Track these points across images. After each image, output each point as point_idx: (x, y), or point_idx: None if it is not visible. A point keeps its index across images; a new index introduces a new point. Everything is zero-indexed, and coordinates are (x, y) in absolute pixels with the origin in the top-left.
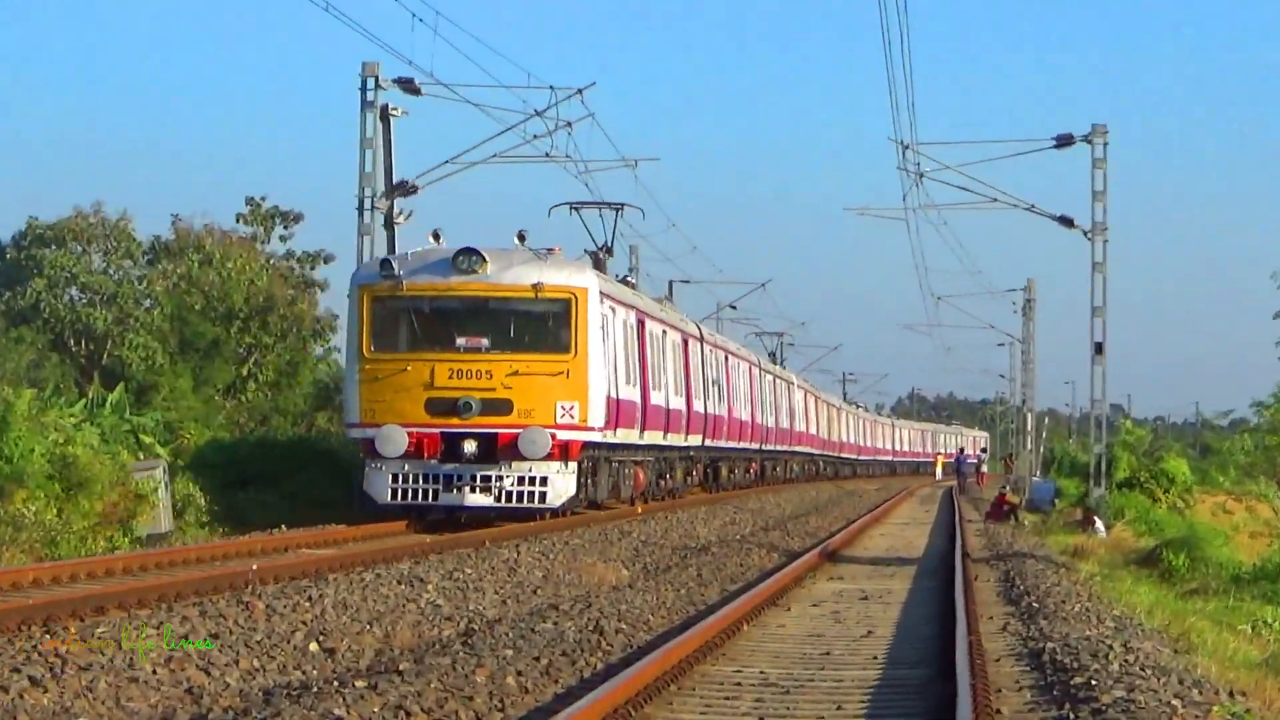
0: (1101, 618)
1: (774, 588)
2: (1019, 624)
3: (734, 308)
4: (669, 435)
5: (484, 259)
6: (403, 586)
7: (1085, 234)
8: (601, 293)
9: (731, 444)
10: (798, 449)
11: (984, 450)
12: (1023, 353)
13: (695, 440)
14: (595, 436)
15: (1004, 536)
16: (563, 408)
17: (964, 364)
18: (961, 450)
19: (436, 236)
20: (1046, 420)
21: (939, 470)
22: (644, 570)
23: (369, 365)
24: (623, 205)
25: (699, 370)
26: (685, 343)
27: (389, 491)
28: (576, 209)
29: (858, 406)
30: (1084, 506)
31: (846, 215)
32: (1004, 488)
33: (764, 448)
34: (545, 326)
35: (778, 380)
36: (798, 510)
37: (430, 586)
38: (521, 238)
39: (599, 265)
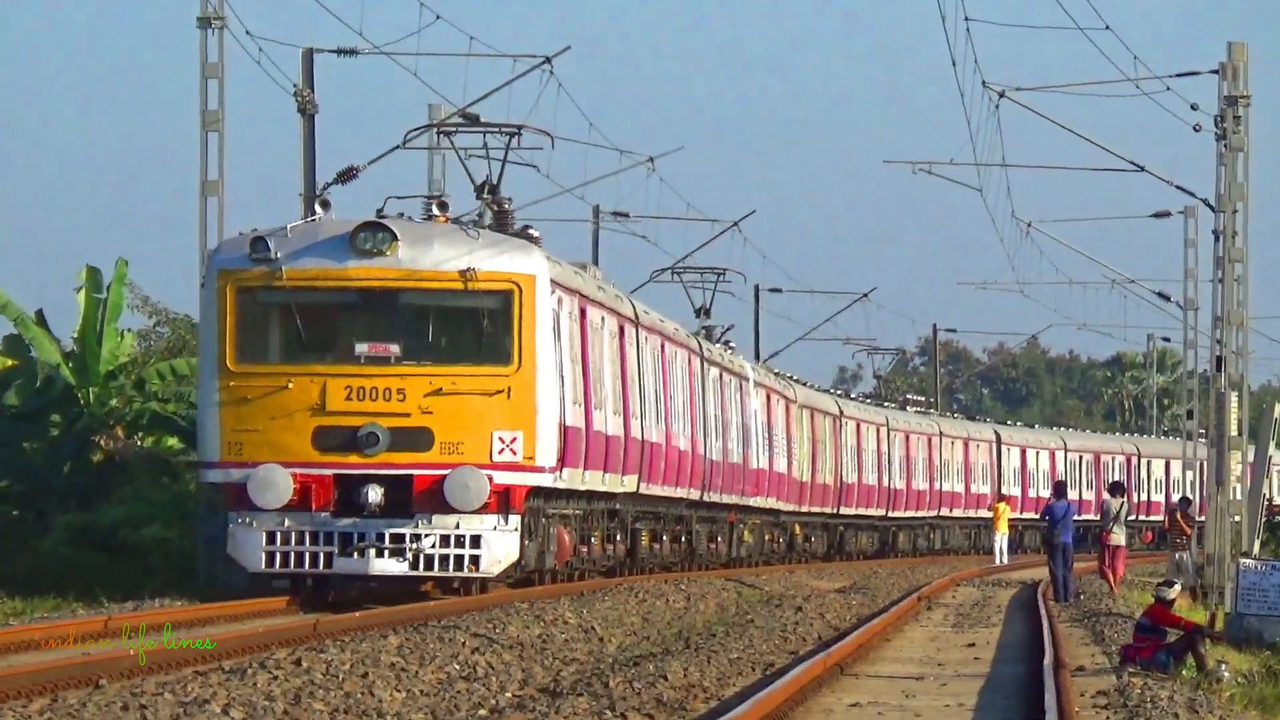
0: None
1: None
2: None
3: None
4: (608, 476)
5: (394, 236)
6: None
7: None
8: (554, 281)
9: (666, 489)
10: (754, 500)
11: (1118, 493)
12: (1218, 242)
13: (630, 483)
14: (545, 479)
15: None
16: (502, 440)
17: (1059, 304)
18: (1058, 488)
19: (325, 205)
20: (1266, 409)
21: (999, 542)
22: None
23: (234, 382)
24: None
25: (634, 370)
26: (621, 330)
27: (263, 556)
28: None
29: (892, 404)
30: None
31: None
32: (1169, 588)
33: (705, 496)
34: (478, 328)
35: (727, 376)
36: (660, 642)
37: None
38: (443, 206)
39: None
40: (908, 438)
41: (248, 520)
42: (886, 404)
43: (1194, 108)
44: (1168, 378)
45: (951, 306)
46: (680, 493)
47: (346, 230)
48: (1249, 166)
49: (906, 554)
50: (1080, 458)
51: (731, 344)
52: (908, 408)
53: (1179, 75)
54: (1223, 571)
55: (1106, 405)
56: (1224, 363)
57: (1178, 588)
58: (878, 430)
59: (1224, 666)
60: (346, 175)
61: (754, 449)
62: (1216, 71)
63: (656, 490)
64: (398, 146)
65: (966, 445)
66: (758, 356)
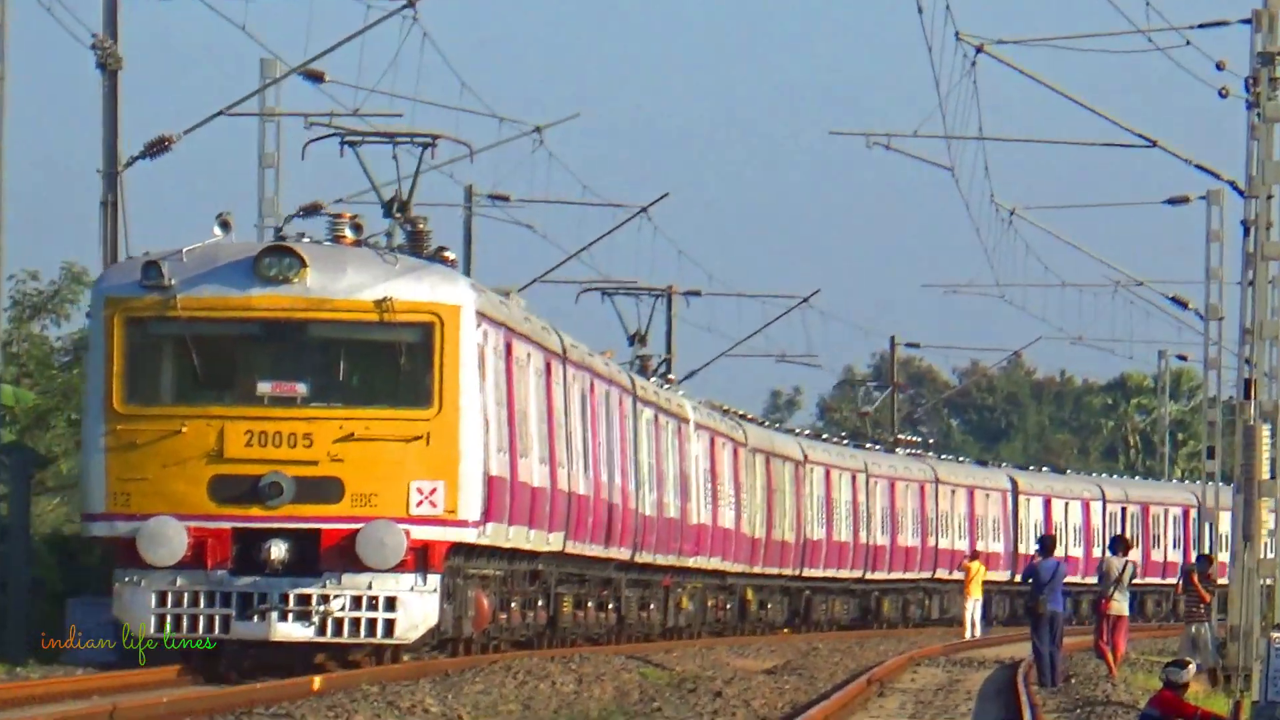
0: None
1: None
2: None
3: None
4: (533, 533)
5: (302, 262)
6: None
7: None
8: (480, 313)
9: (595, 548)
10: (694, 561)
11: (1120, 550)
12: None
13: (556, 541)
14: (469, 534)
15: None
16: (420, 491)
17: (1049, 313)
18: (1043, 544)
19: (226, 225)
20: None
21: (970, 613)
22: None
23: (121, 425)
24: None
25: (561, 413)
26: (548, 366)
27: (153, 618)
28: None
29: (877, 445)
30: None
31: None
32: (1182, 669)
33: (636, 556)
34: (396, 365)
35: (664, 418)
36: None
37: None
38: (356, 228)
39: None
40: (893, 485)
41: (136, 579)
42: (870, 445)
43: (1219, 67)
44: (1183, 406)
45: (914, 315)
46: (610, 553)
47: (250, 254)
48: None
49: (895, 624)
50: (1124, 510)
51: (671, 376)
52: (899, 449)
53: (1201, 26)
54: (1249, 649)
55: (1106, 440)
56: (1254, 387)
57: (1193, 669)
58: (854, 477)
59: None
60: (156, 147)
61: (694, 501)
62: (1249, 21)
63: (583, 549)
64: (221, 113)
65: (973, 495)
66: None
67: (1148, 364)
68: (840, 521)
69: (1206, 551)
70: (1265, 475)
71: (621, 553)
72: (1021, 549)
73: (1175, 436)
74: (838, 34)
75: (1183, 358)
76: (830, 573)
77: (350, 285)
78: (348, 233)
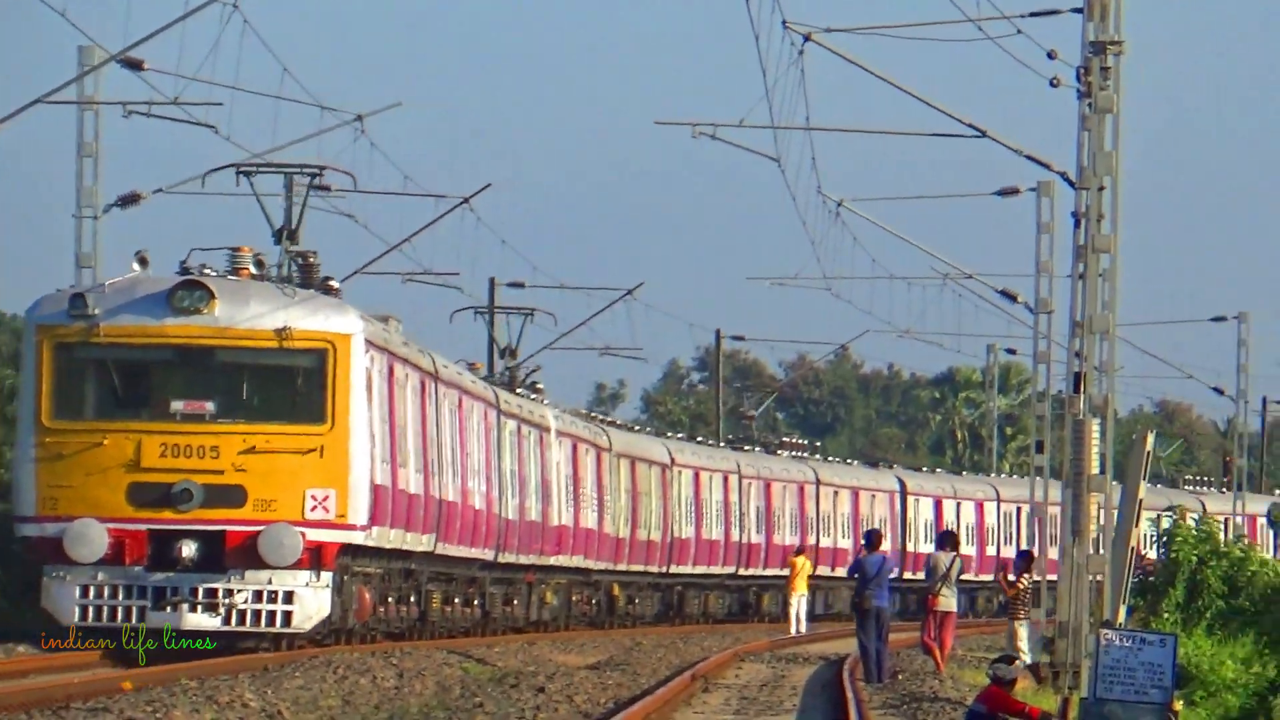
0: None
1: None
2: None
3: None
4: (409, 535)
5: (211, 295)
6: None
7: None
8: (369, 341)
9: (461, 549)
10: (556, 559)
11: (948, 545)
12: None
13: (428, 542)
14: (357, 536)
15: None
16: (314, 497)
17: (876, 306)
18: (869, 539)
19: (144, 262)
20: (1136, 440)
21: (795, 609)
22: None
23: (50, 438)
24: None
25: (434, 427)
26: (423, 385)
27: (76, 609)
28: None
29: (756, 447)
30: None
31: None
32: (1009, 665)
33: (500, 556)
34: (293, 386)
35: (526, 428)
36: None
37: None
38: (259, 264)
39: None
40: (768, 486)
41: (62, 574)
42: (749, 448)
43: (1051, 56)
44: (1012, 400)
45: (740, 308)
46: (475, 553)
47: (165, 288)
48: (1120, 132)
49: (776, 617)
50: (1019, 510)
51: (540, 385)
52: (780, 452)
53: (1033, 15)
54: (1078, 646)
55: (934, 434)
56: (1084, 381)
57: (1020, 665)
58: (725, 478)
59: None
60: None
61: (555, 504)
62: (1080, 10)
63: (451, 550)
64: (38, 101)
65: (857, 495)
66: (491, 368)
67: (976, 358)
68: (710, 521)
69: (1029, 548)
70: (1094, 470)
71: (485, 553)
72: (911, 548)
73: (1004, 431)
74: (663, 22)
75: (1012, 351)
76: (704, 570)
77: (253, 315)
78: (250, 267)
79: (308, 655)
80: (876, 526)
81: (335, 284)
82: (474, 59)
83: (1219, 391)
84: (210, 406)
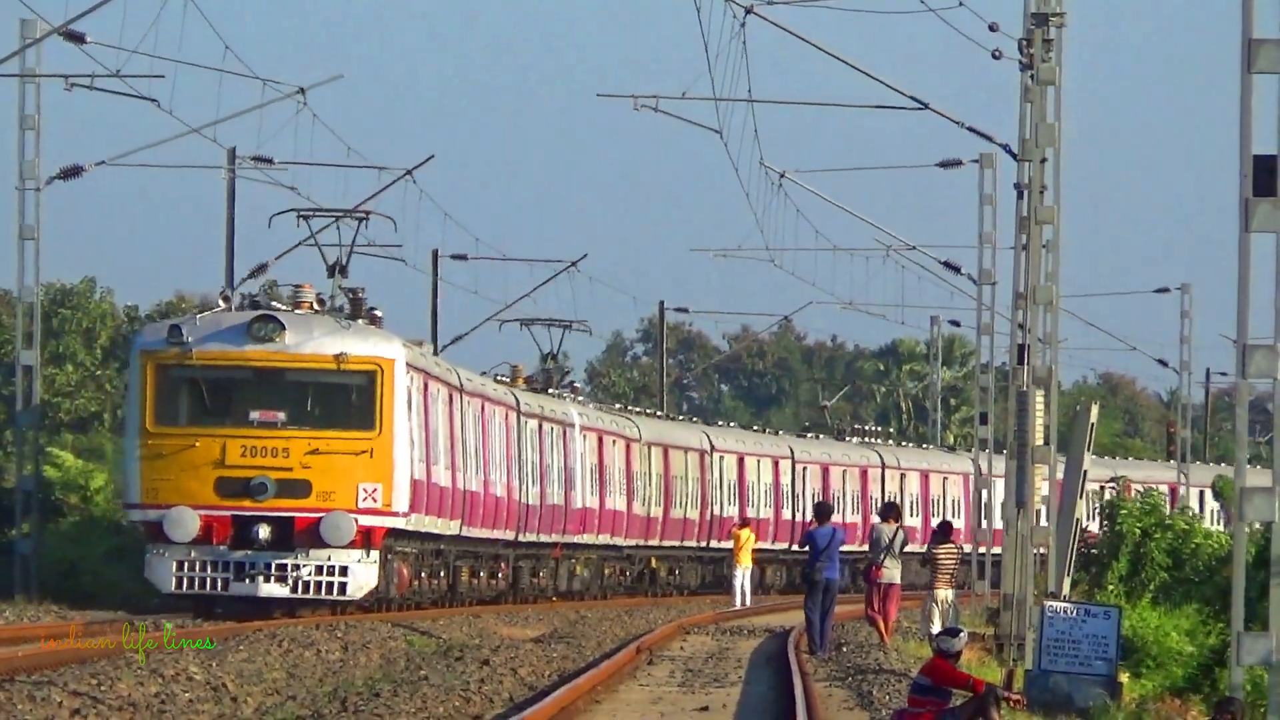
0: None
1: None
2: None
3: None
4: (440, 520)
5: (282, 326)
6: None
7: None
8: (409, 364)
9: (484, 531)
10: (582, 538)
11: (891, 516)
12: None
13: (455, 527)
14: (400, 522)
15: None
16: (366, 490)
17: (820, 278)
18: (819, 511)
19: (227, 299)
20: (1080, 412)
21: (740, 579)
22: None
23: (152, 440)
24: None
25: (460, 431)
26: (450, 398)
27: (173, 580)
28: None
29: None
30: (1220, 704)
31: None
32: (954, 637)
33: (521, 536)
34: (348, 400)
35: (548, 425)
36: (310, 703)
37: None
38: (320, 301)
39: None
40: (826, 471)
41: (162, 551)
42: (813, 435)
43: (993, 29)
44: (956, 372)
45: (684, 280)
46: (497, 534)
47: (245, 320)
48: (1061, 104)
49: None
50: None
51: (575, 384)
52: (850, 438)
53: None
54: (1023, 618)
55: (879, 406)
56: (1028, 353)
57: (964, 637)
58: (775, 463)
59: None
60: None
61: (579, 490)
62: None
63: (475, 533)
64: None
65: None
66: (435, 340)
67: (920, 329)
68: (759, 501)
69: (949, 519)
70: (1039, 441)
71: (507, 534)
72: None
73: (948, 402)
74: None
75: (955, 323)
76: (763, 545)
77: (316, 343)
78: (313, 302)
79: (253, 629)
80: (824, 500)
81: (379, 313)
82: (415, 31)
83: (1163, 363)
84: (281, 416)
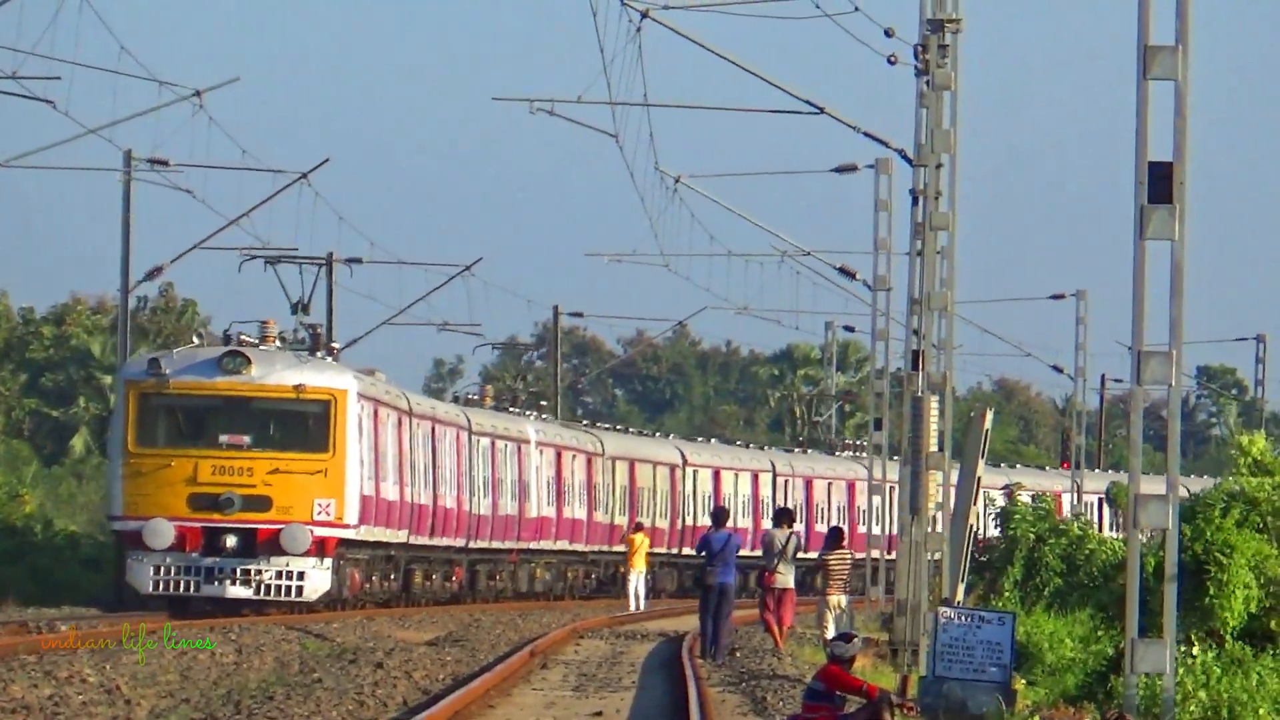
0: None
1: None
2: None
3: None
4: (388, 530)
5: (249, 360)
6: None
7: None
8: (360, 394)
9: (435, 539)
10: (539, 544)
11: (785, 521)
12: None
13: (403, 535)
14: (350, 533)
15: None
16: (320, 505)
17: (715, 283)
18: (716, 516)
19: (200, 336)
20: (974, 418)
21: (634, 585)
22: None
23: (133, 460)
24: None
25: (408, 450)
26: (400, 421)
27: (150, 583)
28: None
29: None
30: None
31: None
32: (848, 643)
33: (471, 543)
34: (305, 426)
35: (501, 442)
36: (204, 706)
37: None
38: (281, 339)
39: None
40: (809, 483)
41: (141, 557)
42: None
43: (889, 34)
44: (851, 378)
45: (579, 284)
46: (446, 541)
47: (216, 355)
48: (957, 110)
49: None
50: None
51: (543, 402)
52: (838, 452)
53: None
54: (917, 624)
55: (773, 411)
56: (922, 358)
57: (858, 643)
58: (754, 477)
59: None
60: None
61: (533, 501)
62: None
63: (423, 540)
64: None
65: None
66: (330, 344)
67: (815, 335)
68: (741, 513)
69: (840, 525)
70: (933, 448)
71: (457, 541)
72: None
73: (843, 409)
74: None
75: (850, 329)
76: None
77: (279, 375)
78: (276, 339)
79: (147, 631)
80: (722, 504)
81: (336, 346)
82: (312, 34)
83: (1058, 369)
84: (247, 439)
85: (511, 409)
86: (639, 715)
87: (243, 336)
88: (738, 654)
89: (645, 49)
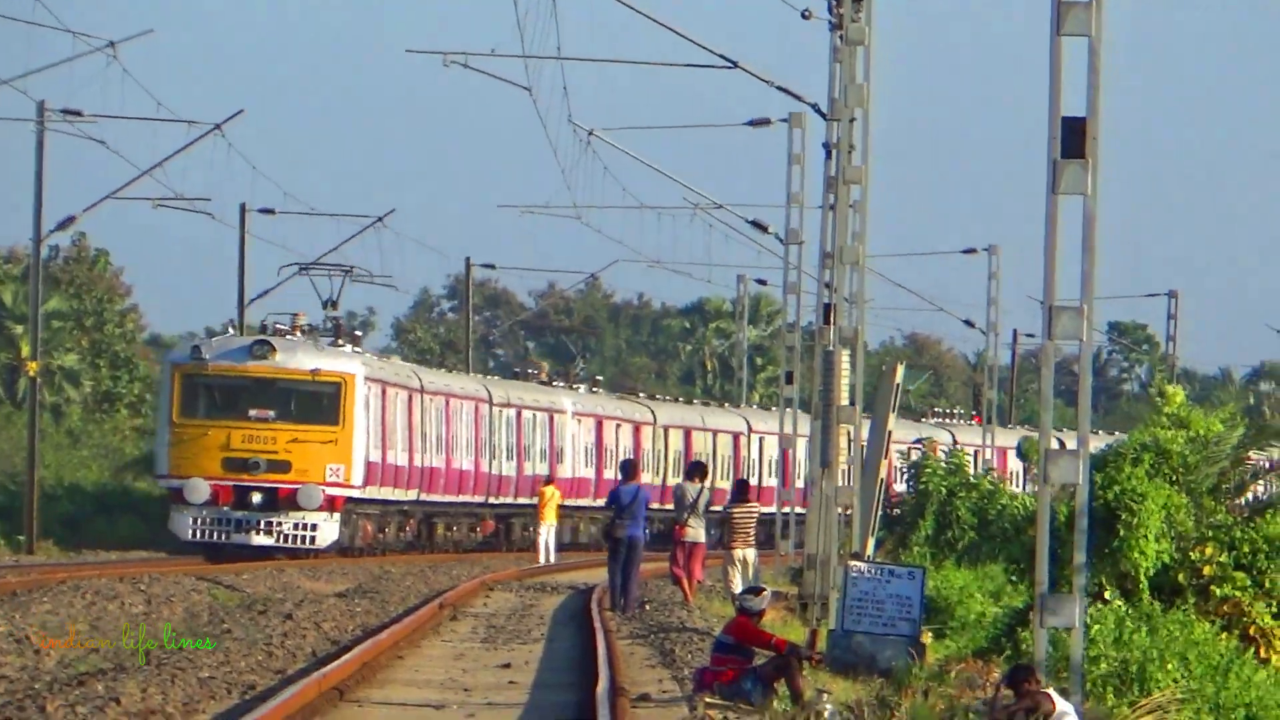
0: None
1: None
2: None
3: None
4: (395, 490)
5: (274, 348)
6: None
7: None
8: (368, 377)
9: (448, 497)
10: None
11: (698, 475)
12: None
13: (412, 494)
14: (356, 493)
15: None
16: (332, 469)
17: (627, 236)
18: (625, 468)
19: (233, 326)
20: (886, 372)
21: (544, 538)
22: None
23: (177, 429)
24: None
25: (419, 422)
26: (410, 397)
27: (190, 530)
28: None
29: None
30: (1015, 669)
31: None
32: (757, 596)
33: (490, 500)
34: (320, 403)
35: (528, 414)
36: (114, 656)
37: None
38: (311, 329)
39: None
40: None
41: (182, 510)
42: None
43: None
44: (762, 331)
45: (491, 236)
46: (464, 499)
47: (247, 343)
48: (871, 64)
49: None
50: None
51: (599, 377)
52: (927, 419)
53: None
54: (827, 578)
55: (684, 365)
56: (834, 312)
57: (768, 596)
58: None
59: (825, 696)
60: None
61: (568, 464)
62: None
63: (436, 498)
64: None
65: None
66: (241, 294)
67: (727, 288)
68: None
69: (745, 476)
70: (844, 401)
71: (475, 498)
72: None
73: (754, 362)
74: None
75: (762, 282)
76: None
77: (298, 361)
78: (301, 328)
79: (57, 580)
80: (630, 457)
81: (359, 332)
82: None
83: (970, 324)
84: (271, 414)
85: (544, 381)
86: (548, 667)
87: (277, 325)
88: (647, 606)
89: (559, 2)
